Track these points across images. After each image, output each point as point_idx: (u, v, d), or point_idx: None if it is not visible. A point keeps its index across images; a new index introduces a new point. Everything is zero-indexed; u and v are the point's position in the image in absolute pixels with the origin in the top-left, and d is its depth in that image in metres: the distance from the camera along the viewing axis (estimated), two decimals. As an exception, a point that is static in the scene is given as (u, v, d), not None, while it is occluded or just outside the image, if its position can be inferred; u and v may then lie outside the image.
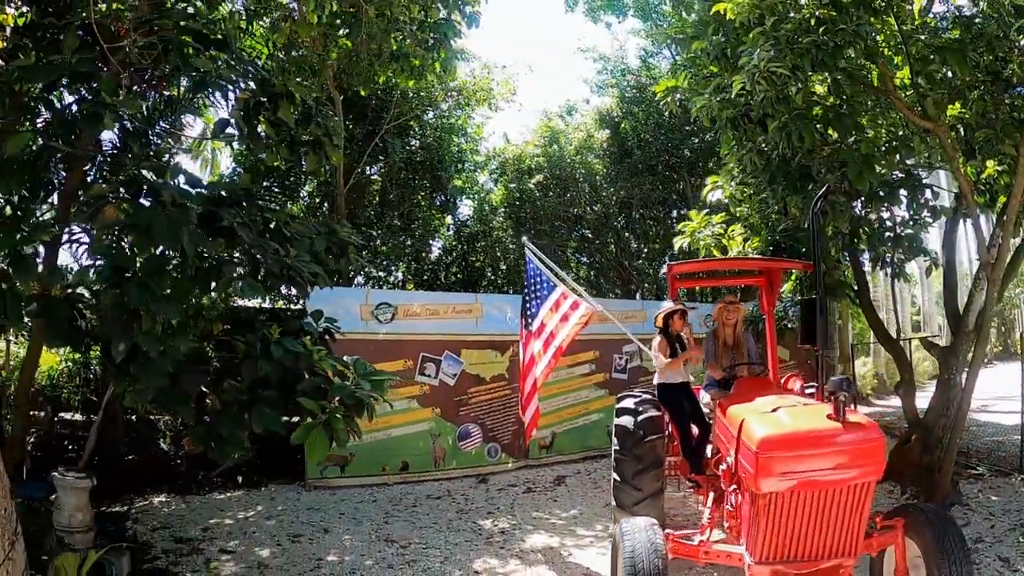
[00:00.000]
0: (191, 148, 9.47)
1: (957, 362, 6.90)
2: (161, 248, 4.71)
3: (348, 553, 6.26)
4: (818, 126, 5.86)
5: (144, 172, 4.77)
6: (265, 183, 9.70)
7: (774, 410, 4.19)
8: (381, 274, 12.30)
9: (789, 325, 8.57)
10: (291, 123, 5.64)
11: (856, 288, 8.37)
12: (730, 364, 6.10)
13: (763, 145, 6.41)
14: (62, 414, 8.46)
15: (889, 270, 7.95)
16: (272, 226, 5.64)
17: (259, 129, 5.87)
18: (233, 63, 5.35)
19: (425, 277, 11.91)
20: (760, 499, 3.80)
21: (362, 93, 6.45)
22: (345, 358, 5.18)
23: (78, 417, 8.33)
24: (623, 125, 11.92)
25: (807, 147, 5.67)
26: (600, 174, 12.24)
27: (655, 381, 6.55)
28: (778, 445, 3.73)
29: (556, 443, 10.41)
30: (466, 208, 12.76)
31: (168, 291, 4.55)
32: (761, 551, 3.86)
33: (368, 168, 10.55)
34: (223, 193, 5.57)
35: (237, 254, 5.30)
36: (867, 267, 8.53)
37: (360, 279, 11.99)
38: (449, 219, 12.15)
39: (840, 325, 11.32)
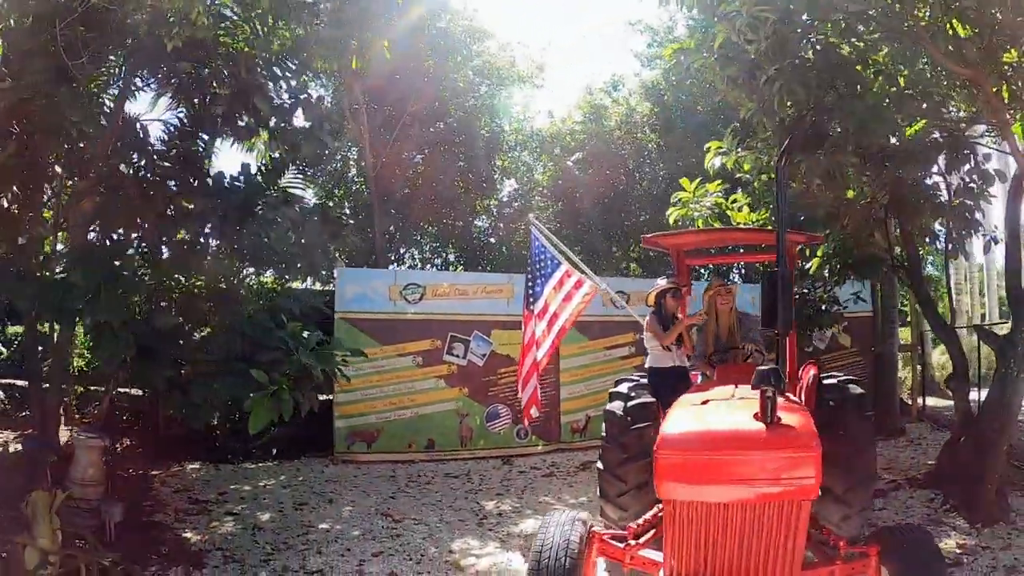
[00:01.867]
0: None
1: (1016, 353, 5.94)
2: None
3: (340, 523, 6.48)
4: (826, 77, 5.18)
5: (122, 167, 5.16)
6: (308, 171, 10.18)
7: (704, 402, 3.76)
8: (429, 255, 12.54)
9: (832, 308, 7.71)
10: (267, 112, 5.84)
11: (906, 265, 7.43)
12: (716, 350, 5.64)
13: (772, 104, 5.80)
14: (122, 389, 9.34)
15: (943, 246, 7.01)
16: (258, 211, 5.92)
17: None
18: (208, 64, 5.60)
19: (469, 258, 11.94)
20: (666, 507, 3.31)
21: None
22: (305, 334, 5.33)
23: (137, 392, 9.17)
24: (667, 97, 11.24)
25: (802, 100, 5.05)
26: (647, 150, 11.64)
27: (646, 365, 6.19)
28: (676, 445, 3.20)
29: (591, 427, 10.14)
30: (510, 188, 12.70)
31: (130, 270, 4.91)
32: (671, 567, 3.36)
33: (408, 153, 10.67)
34: (209, 182, 5.91)
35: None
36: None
37: (410, 261, 12.30)
38: (495, 199, 12.09)
39: (910, 309, 10.04)
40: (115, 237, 5.10)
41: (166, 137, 6.72)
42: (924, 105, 5.83)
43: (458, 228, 11.72)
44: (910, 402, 10.26)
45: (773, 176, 6.25)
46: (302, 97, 6.42)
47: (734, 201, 6.31)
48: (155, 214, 5.01)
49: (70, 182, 6.09)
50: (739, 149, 6.09)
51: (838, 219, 6.39)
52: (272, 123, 6.10)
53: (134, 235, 5.16)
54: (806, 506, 3.12)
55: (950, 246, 7.19)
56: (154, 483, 7.29)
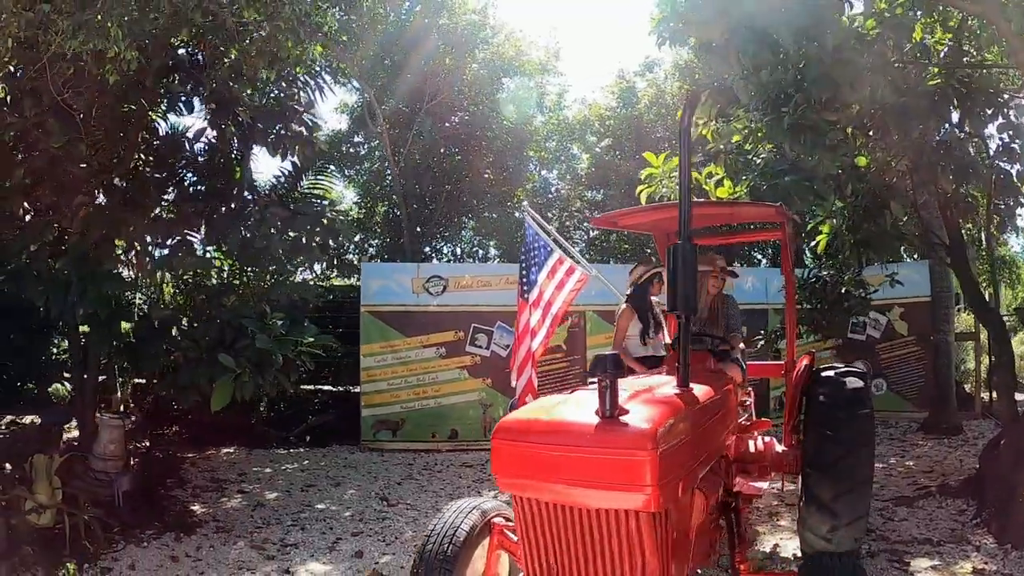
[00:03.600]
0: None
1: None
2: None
3: (337, 504, 6.79)
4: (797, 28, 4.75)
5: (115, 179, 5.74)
6: (348, 171, 10.75)
7: (572, 391, 3.57)
8: (471, 249, 12.72)
9: (858, 292, 7.00)
10: (247, 120, 6.24)
11: (948, 243, 6.67)
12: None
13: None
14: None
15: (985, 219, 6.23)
16: (247, 212, 6.34)
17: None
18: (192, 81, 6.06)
19: (508, 249, 11.96)
20: (512, 500, 3.03)
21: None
22: (279, 322, 5.64)
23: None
24: (698, 75, 10.68)
25: (767, 59, 4.66)
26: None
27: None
28: (506, 435, 2.89)
29: (620, 421, 9.90)
30: (545, 178, 12.65)
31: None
32: (524, 567, 3.07)
33: (431, 149, 10.81)
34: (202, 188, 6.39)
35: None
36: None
37: (449, 255, 12.54)
38: (525, 190, 12.02)
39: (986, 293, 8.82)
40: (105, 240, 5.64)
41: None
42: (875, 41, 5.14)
43: (494, 220, 11.82)
44: (974, 396, 9.16)
45: (769, 146, 5.83)
46: (291, 104, 6.79)
47: (709, 175, 5.91)
48: (142, 219, 5.52)
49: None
50: (719, 119, 5.73)
51: (839, 189, 5.83)
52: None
53: (121, 238, 5.68)
54: (647, 519, 2.64)
55: (995, 219, 6.39)
56: (185, 464, 7.96)
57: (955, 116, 5.85)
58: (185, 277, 6.38)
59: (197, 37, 4.79)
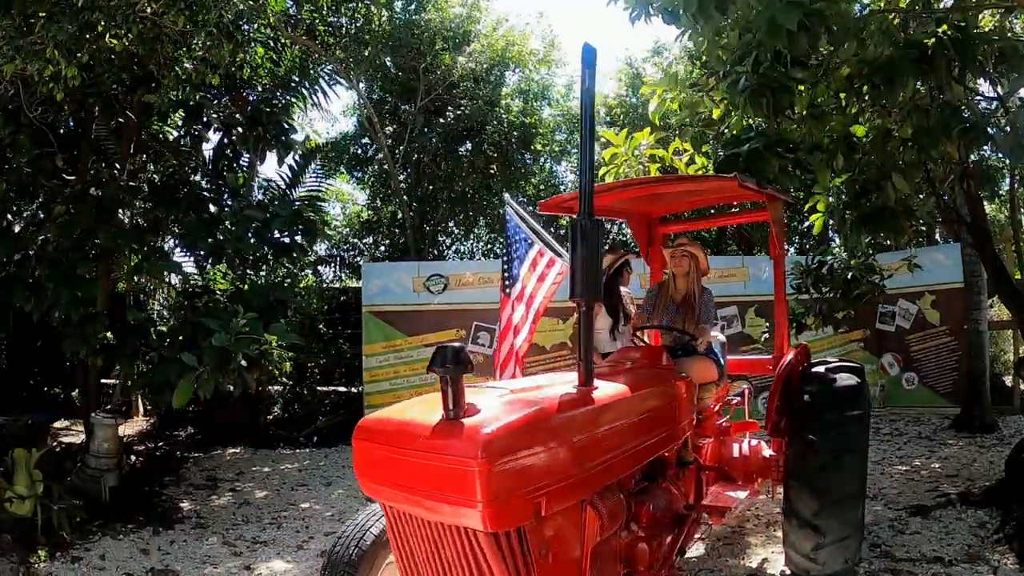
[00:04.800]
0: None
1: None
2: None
3: (320, 503, 6.77)
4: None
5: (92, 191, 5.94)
6: (356, 173, 10.85)
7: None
8: (485, 246, 12.60)
9: (869, 278, 6.41)
10: (212, 128, 6.33)
11: (970, 219, 6.07)
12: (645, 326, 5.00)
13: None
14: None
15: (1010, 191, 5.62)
16: (221, 216, 6.44)
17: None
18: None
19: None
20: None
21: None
22: (242, 321, 5.65)
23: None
24: (705, 57, 10.15)
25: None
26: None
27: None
28: (360, 434, 2.66)
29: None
30: (559, 170, 12.43)
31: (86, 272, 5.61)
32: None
33: (430, 147, 10.74)
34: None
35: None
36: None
37: (464, 254, 12.45)
38: (532, 185, 11.76)
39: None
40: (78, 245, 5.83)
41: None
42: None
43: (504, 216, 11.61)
44: (1013, 390, 8.31)
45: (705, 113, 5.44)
46: (267, 109, 6.85)
47: (676, 151, 5.52)
48: (113, 225, 5.69)
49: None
50: (691, 89, 5.39)
51: (829, 161, 5.36)
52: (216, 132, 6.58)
53: (97, 244, 5.85)
54: (487, 539, 2.33)
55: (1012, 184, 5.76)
56: (188, 463, 8.16)
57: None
58: (160, 281, 6.52)
59: (141, 48, 4.85)
